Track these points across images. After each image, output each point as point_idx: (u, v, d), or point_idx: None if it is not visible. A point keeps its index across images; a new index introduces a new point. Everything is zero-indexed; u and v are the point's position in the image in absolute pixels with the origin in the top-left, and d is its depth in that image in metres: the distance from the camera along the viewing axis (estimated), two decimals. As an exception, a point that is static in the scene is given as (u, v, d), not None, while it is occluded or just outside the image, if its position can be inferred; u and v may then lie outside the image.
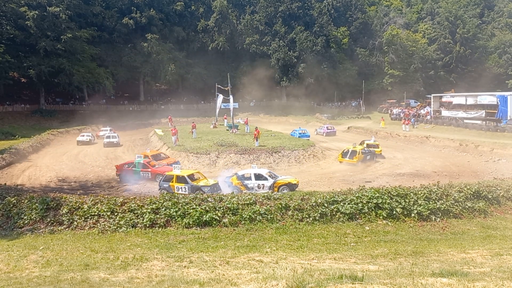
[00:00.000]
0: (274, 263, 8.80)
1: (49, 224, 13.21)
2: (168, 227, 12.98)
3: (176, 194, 15.43)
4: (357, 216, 13.71)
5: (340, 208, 13.77)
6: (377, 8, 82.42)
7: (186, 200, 13.90)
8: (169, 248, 10.85)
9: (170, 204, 13.57)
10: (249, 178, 19.24)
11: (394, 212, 13.87)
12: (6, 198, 14.25)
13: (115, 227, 12.91)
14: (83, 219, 13.25)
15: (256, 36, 69.23)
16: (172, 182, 18.56)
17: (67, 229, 12.99)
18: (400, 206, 14.03)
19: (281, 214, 13.62)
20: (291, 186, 18.85)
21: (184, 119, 56.40)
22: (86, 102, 61.70)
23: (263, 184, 18.94)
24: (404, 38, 70.89)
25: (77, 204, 13.70)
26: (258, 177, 19.22)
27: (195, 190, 17.64)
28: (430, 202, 14.33)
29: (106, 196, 14.72)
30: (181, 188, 18.21)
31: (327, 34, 68.88)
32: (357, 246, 11.33)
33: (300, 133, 38.30)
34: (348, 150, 27.15)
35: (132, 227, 12.95)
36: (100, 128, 45.92)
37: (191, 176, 18.93)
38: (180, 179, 18.49)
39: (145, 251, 10.46)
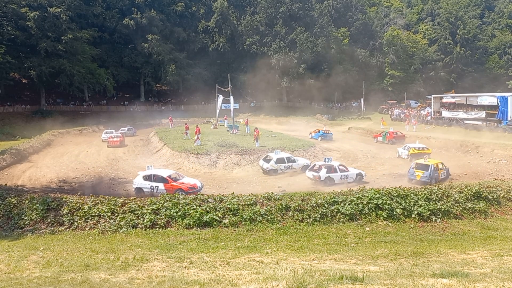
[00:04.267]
0: (275, 264, 8.80)
1: (50, 224, 13.22)
2: (168, 228, 12.98)
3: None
4: (358, 217, 13.71)
5: (341, 209, 13.78)
6: (378, 9, 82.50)
7: (187, 200, 13.91)
8: (169, 249, 10.85)
9: (170, 204, 13.58)
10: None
11: (395, 212, 13.88)
12: (7, 199, 14.25)
13: (116, 227, 12.91)
14: (83, 219, 13.25)
15: (257, 37, 69.24)
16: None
17: (67, 229, 13.00)
18: (400, 206, 14.04)
19: (282, 214, 13.63)
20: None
21: (184, 119, 56.38)
22: (87, 103, 61.71)
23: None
24: (404, 39, 70.92)
25: (78, 205, 13.70)
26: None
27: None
28: (431, 203, 14.34)
29: (107, 196, 14.71)
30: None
31: (328, 35, 68.89)
32: (357, 247, 11.33)
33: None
34: None
35: (133, 227, 12.95)
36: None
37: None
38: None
39: (146, 252, 10.45)
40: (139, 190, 18.64)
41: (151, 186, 18.43)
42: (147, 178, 18.84)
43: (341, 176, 21.13)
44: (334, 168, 21.21)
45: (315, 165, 22.29)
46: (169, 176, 18.76)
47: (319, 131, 40.55)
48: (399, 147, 31.37)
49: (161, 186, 18.25)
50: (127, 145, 36.53)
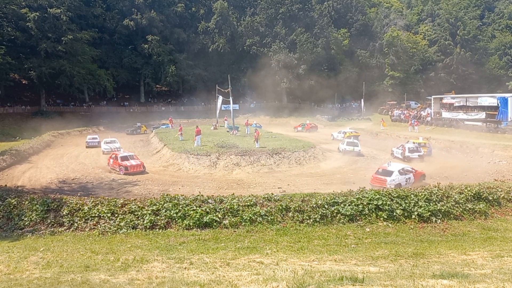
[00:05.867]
0: (275, 265, 8.79)
1: (50, 225, 13.20)
2: (168, 229, 12.97)
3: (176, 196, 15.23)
4: (358, 218, 13.70)
5: (341, 210, 13.77)
6: (378, 9, 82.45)
7: (187, 201, 13.89)
8: (169, 250, 10.84)
9: (170, 205, 13.57)
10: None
11: (395, 213, 13.87)
12: (7, 200, 14.24)
13: (116, 228, 12.90)
14: (83, 220, 13.24)
15: (257, 37, 69.31)
16: None
17: (67, 230, 12.99)
18: (400, 207, 14.03)
19: (282, 215, 13.61)
20: None
21: (184, 120, 56.45)
22: (87, 104, 61.76)
23: None
24: (404, 39, 70.92)
25: (78, 206, 13.69)
26: None
27: None
28: (431, 204, 14.33)
29: (107, 197, 14.71)
30: None
31: (328, 36, 68.92)
32: (357, 248, 11.32)
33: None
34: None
35: (133, 228, 12.94)
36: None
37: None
38: None
39: (146, 253, 10.44)
40: (398, 186, 19.21)
41: (406, 178, 20.40)
42: (402, 172, 20.65)
43: None
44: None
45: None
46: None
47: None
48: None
49: (412, 177, 20.73)
50: (147, 173, 25.09)
